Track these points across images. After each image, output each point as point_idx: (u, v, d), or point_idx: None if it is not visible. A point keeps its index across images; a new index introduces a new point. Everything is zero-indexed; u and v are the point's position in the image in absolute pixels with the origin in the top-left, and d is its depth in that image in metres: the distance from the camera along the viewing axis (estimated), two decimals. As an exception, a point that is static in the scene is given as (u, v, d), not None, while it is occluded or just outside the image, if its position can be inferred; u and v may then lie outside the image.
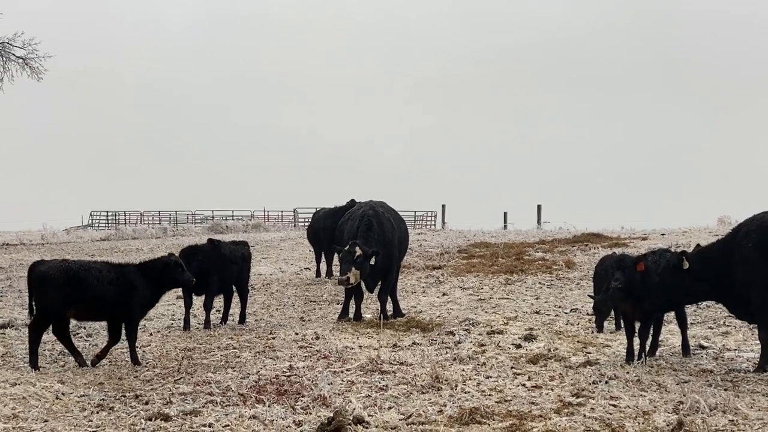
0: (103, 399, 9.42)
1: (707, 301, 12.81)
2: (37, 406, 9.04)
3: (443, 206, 55.45)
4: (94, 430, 8.24)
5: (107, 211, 72.26)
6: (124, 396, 9.56)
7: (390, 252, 15.59)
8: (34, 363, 11.20)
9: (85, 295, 11.39)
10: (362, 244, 14.92)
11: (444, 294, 18.60)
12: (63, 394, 9.65)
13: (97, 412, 8.86)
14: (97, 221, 71.35)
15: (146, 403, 9.18)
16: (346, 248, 14.87)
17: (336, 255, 15.63)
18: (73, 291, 11.31)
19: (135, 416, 8.61)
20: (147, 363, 11.70)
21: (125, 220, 69.79)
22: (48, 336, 12.42)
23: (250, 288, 16.77)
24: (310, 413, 8.71)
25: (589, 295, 14.34)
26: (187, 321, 14.82)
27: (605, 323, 13.85)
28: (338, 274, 15.39)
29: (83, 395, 9.62)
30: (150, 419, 8.44)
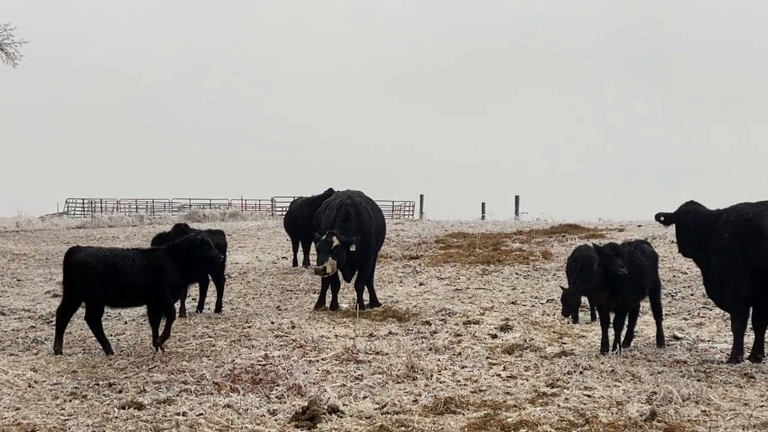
0: (76, 387, 9.38)
1: None
2: (9, 394, 9.01)
3: (421, 196, 55.51)
4: (67, 418, 8.18)
5: (83, 199, 71.74)
6: (98, 384, 9.52)
7: (367, 241, 15.57)
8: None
9: (121, 282, 11.48)
10: (340, 233, 14.90)
11: (421, 284, 18.61)
12: (36, 382, 9.62)
13: (70, 401, 8.82)
14: (73, 209, 70.88)
15: (120, 392, 9.15)
16: (323, 237, 14.84)
17: (313, 244, 15.56)
18: (111, 278, 11.42)
19: (108, 405, 8.57)
20: (121, 351, 11.64)
21: (101, 207, 69.36)
22: (21, 324, 12.36)
23: (226, 277, 16.72)
24: (285, 402, 8.70)
25: (560, 286, 14.38)
26: (183, 309, 14.92)
27: (580, 314, 13.92)
28: (315, 263, 15.33)
29: (56, 383, 9.58)
30: (123, 408, 8.40)
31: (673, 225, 11.71)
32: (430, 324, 13.46)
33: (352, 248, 14.88)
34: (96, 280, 11.34)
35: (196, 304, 15.67)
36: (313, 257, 20.79)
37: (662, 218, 11.70)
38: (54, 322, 13.48)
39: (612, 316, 11.43)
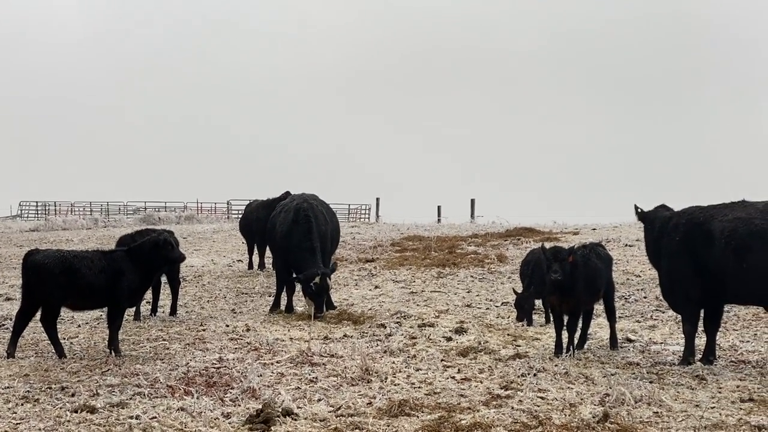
0: (28, 391, 9.28)
1: None
2: (-41, 398, 8.89)
3: (377, 199, 55.53)
4: (18, 422, 8.11)
5: (36, 202, 70.99)
6: (50, 388, 9.42)
7: (323, 245, 15.55)
8: (59, 352, 11.40)
9: (79, 284, 11.35)
10: (305, 238, 14.93)
11: (376, 287, 18.62)
12: (-13, 386, 9.50)
13: (22, 404, 8.74)
14: (26, 212, 70.09)
15: (72, 395, 9.07)
16: (317, 281, 14.65)
17: (299, 283, 15.23)
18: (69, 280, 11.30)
19: (60, 408, 8.50)
20: (74, 354, 11.54)
21: (55, 210, 68.66)
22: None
23: (181, 279, 16.62)
24: (239, 405, 8.68)
25: (513, 290, 14.47)
26: (137, 312, 14.83)
27: (534, 316, 14.02)
28: (310, 306, 15.00)
29: (7, 387, 9.48)
30: (76, 411, 8.34)
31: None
32: (385, 327, 13.48)
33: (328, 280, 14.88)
34: (53, 281, 11.23)
35: (150, 307, 15.54)
36: (269, 260, 20.72)
37: (638, 210, 11.95)
38: (7, 326, 13.38)
39: (566, 319, 11.51)
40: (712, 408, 8.62)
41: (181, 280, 16.49)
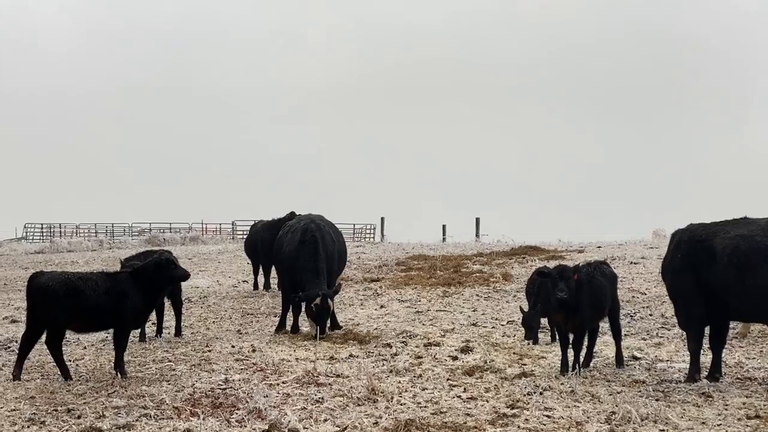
0: (34, 413, 9.28)
1: None
2: (-35, 421, 8.90)
3: (382, 219, 55.62)
4: (25, 444, 8.13)
5: (42, 224, 71.19)
6: (56, 410, 9.42)
7: (330, 266, 15.56)
8: (65, 374, 11.39)
9: (83, 306, 11.36)
10: (313, 263, 14.91)
11: (382, 306, 18.61)
12: (-7, 408, 9.51)
13: (28, 427, 8.75)
14: (31, 234, 70.25)
15: (78, 417, 9.08)
16: (318, 302, 14.59)
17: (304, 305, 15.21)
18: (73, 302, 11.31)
19: (67, 430, 8.53)
20: (80, 376, 11.55)
21: (60, 232, 68.84)
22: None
23: (186, 300, 16.63)
24: (245, 426, 8.69)
25: (520, 308, 14.47)
26: (143, 333, 14.81)
27: (540, 335, 14.01)
28: (311, 326, 15.00)
29: (14, 409, 9.48)
30: (82, 433, 8.35)
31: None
32: (391, 346, 13.48)
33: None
34: (58, 304, 11.24)
35: (155, 328, 15.55)
36: (274, 280, 20.74)
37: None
38: (12, 348, 13.39)
39: (571, 337, 11.50)
40: (719, 425, 8.62)
41: (184, 300, 16.50)
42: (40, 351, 12.28)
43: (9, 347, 13.71)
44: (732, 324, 12.49)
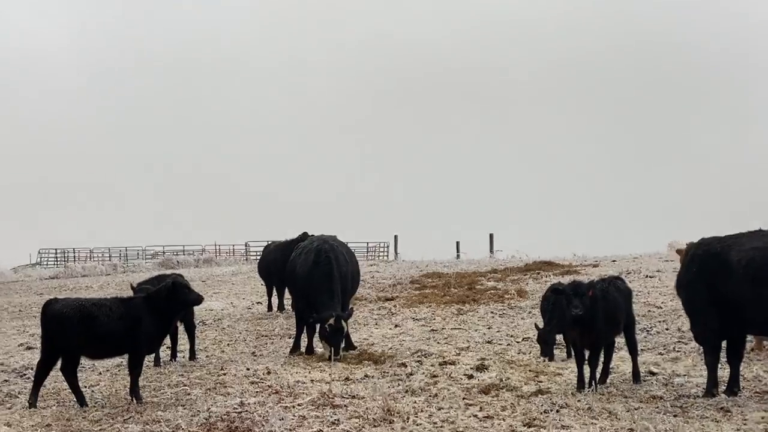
0: (50, 441, 9.29)
1: None
2: (-18, 450, 8.90)
3: (395, 237, 55.67)
4: (41, 473, 8.12)
5: (56, 249, 71.43)
6: (72, 437, 9.43)
7: (344, 286, 15.54)
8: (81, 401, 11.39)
9: (97, 332, 11.38)
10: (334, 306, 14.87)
11: (396, 325, 18.58)
12: (10, 436, 9.52)
13: (44, 455, 8.74)
14: (45, 259, 70.50)
15: (94, 444, 9.07)
16: (332, 323, 14.51)
17: (316, 324, 15.18)
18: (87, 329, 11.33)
19: (83, 458, 8.50)
20: (96, 403, 11.55)
21: (74, 257, 69.06)
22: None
23: (200, 323, 16.62)
24: (261, 450, 8.66)
25: (535, 325, 14.42)
26: (157, 358, 14.78)
27: (556, 351, 13.95)
28: (324, 348, 14.97)
29: (30, 437, 9.49)
30: (98, 460, 8.34)
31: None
32: (406, 366, 13.45)
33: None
34: (73, 331, 11.26)
35: (170, 352, 15.54)
36: (288, 301, 20.71)
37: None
38: (28, 376, 13.41)
39: (587, 353, 11.45)
40: (738, 440, 8.55)
41: (198, 323, 16.48)
42: (55, 378, 12.28)
43: (24, 374, 13.72)
44: (749, 337, 12.41)
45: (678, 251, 15.25)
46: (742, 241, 10.71)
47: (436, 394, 11.27)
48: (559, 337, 14.18)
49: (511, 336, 16.47)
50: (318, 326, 15.02)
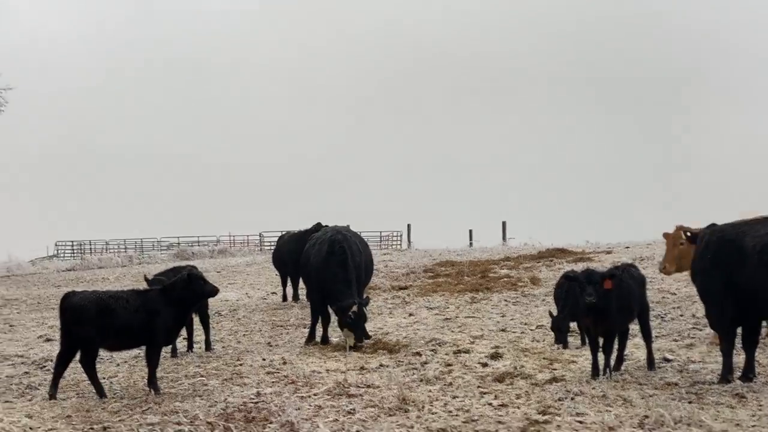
0: (71, 432, 9.38)
1: None
2: (4, 442, 8.99)
3: (408, 225, 55.55)
4: (62, 464, 8.20)
5: (72, 241, 71.80)
6: (92, 428, 9.51)
7: (358, 275, 15.60)
8: (100, 392, 11.51)
9: (115, 324, 11.48)
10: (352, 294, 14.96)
11: (410, 314, 18.63)
12: (31, 428, 9.59)
13: (65, 446, 8.83)
14: (62, 251, 70.83)
15: (114, 435, 9.16)
16: (354, 310, 14.68)
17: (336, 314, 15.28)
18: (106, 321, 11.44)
19: (103, 449, 8.59)
20: (114, 394, 11.65)
21: (90, 249, 69.37)
22: (14, 370, 12.36)
23: (216, 314, 16.70)
24: (278, 440, 8.73)
25: (548, 313, 14.45)
26: (174, 349, 14.91)
27: (570, 339, 13.98)
28: (343, 336, 15.05)
29: (51, 429, 9.58)
30: (118, 451, 8.42)
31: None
32: (421, 355, 13.51)
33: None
34: (91, 323, 11.36)
35: (186, 343, 15.63)
36: (302, 292, 20.76)
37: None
38: (47, 367, 13.52)
39: (601, 341, 11.48)
40: (753, 426, 8.58)
41: (214, 314, 16.55)
42: (75, 369, 12.38)
43: (44, 366, 13.84)
44: (764, 323, 12.41)
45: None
46: (757, 227, 10.69)
47: (450, 383, 11.32)
48: (573, 325, 14.22)
49: (525, 324, 16.50)
50: (335, 316, 15.10)
